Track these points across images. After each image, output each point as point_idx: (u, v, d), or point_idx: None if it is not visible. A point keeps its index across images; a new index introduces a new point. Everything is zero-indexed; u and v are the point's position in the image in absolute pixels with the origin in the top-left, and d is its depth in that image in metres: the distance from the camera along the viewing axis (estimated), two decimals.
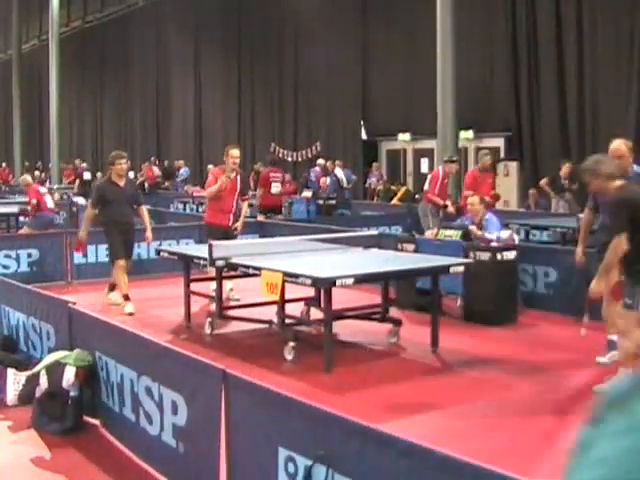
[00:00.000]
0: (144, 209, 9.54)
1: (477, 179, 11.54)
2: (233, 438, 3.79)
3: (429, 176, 12.46)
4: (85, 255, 10.85)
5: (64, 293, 7.89)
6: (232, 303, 8.93)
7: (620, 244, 5.49)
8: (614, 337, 6.58)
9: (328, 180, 19.66)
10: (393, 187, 20.93)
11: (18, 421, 5.45)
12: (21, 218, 15.65)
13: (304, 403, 3.39)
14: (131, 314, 8.82)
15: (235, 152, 9.41)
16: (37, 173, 31.16)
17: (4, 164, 35.88)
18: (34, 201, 13.62)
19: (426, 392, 6.14)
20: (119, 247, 9.11)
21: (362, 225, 13.31)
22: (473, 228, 9.21)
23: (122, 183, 9.16)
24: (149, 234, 9.39)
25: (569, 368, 6.36)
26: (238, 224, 9.57)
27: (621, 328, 5.62)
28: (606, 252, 5.58)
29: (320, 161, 21.42)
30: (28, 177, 15.29)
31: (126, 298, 9.03)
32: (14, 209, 15.99)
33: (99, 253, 11.46)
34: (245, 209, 9.81)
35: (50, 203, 13.88)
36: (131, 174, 17.33)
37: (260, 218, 13.74)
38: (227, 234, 9.12)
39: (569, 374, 6.01)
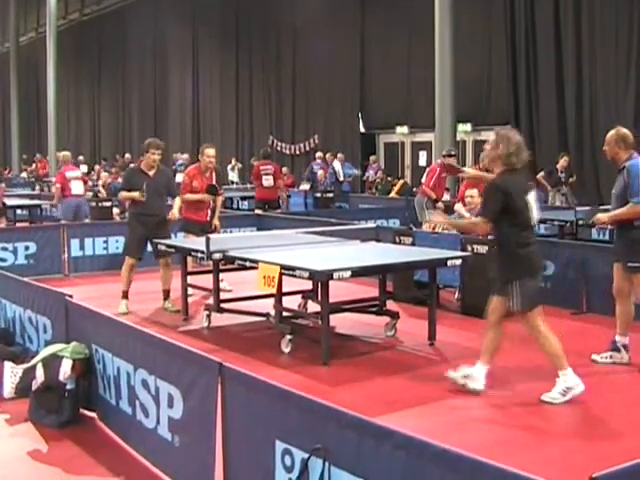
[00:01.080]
0: (177, 200, 8.98)
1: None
2: (229, 431, 3.78)
3: (427, 169, 12.56)
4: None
5: (61, 286, 7.87)
6: (225, 294, 8.79)
7: (482, 227, 5.72)
8: (623, 339, 6.51)
9: (329, 169, 19.69)
10: (389, 179, 20.91)
11: (15, 414, 5.44)
12: (18, 211, 15.63)
13: (301, 396, 3.38)
14: (124, 314, 8.40)
15: (210, 151, 9.40)
16: (34, 166, 31.12)
17: None
18: (57, 185, 13.46)
19: (423, 385, 6.14)
20: (135, 245, 8.74)
21: (360, 218, 13.31)
22: (460, 208, 9.21)
23: (152, 172, 8.69)
24: (174, 211, 8.78)
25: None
26: (216, 221, 9.55)
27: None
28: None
29: (319, 154, 21.41)
30: (68, 153, 14.60)
31: (124, 296, 8.72)
32: (14, 202, 15.99)
33: (96, 246, 11.50)
34: (219, 204, 9.75)
35: (76, 189, 13.55)
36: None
37: (258, 211, 13.82)
38: (205, 229, 9.01)
39: None
